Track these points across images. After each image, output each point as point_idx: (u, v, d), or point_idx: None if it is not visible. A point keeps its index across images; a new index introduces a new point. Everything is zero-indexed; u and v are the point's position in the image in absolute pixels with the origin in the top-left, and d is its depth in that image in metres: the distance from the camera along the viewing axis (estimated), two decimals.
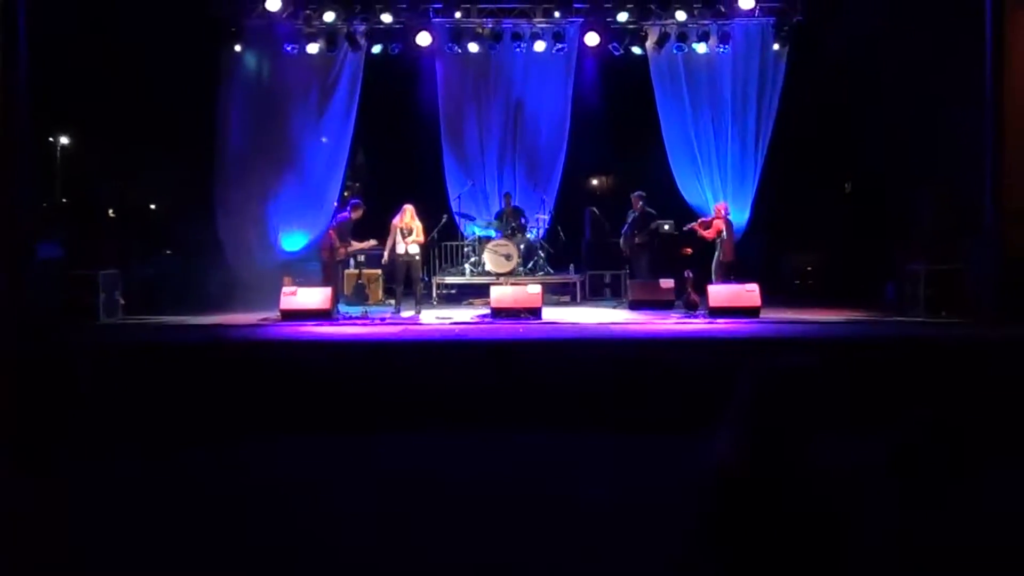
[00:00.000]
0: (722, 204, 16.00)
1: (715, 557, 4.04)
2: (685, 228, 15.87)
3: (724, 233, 15.46)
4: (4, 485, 7.09)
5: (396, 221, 15.23)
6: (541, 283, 15.84)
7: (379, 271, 17.05)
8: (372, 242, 15.75)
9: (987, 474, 4.68)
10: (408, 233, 15.12)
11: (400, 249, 15.16)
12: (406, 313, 15.08)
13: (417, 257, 15.29)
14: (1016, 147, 13.12)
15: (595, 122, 18.47)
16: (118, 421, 8.86)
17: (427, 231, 15.76)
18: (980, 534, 4.49)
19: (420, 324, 14.35)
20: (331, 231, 15.25)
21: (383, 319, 14.62)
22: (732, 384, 3.94)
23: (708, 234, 15.43)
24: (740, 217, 17.39)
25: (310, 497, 7.42)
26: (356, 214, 15.21)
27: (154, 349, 11.72)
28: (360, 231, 15.65)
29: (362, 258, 16.85)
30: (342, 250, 15.16)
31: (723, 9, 17.40)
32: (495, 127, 18.55)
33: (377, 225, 15.71)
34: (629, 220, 16.40)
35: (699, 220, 15.81)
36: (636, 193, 16.48)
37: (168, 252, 16.44)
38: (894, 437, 4.57)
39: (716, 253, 15.47)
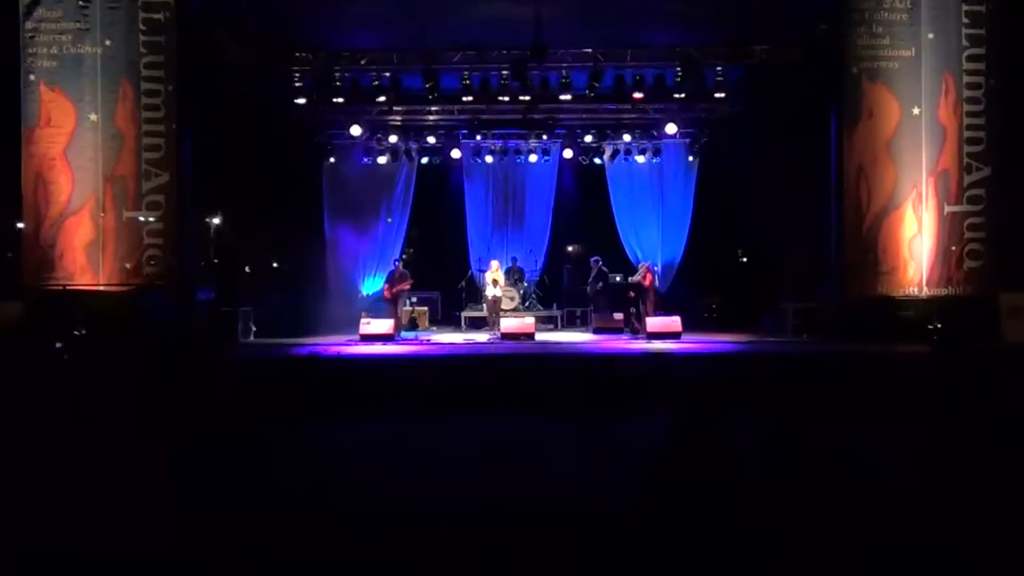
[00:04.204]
0: (646, 264, 15.91)
1: (653, 502, 4.08)
2: (631, 279, 15.84)
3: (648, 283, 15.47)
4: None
5: (488, 271, 15.70)
6: (534, 316, 15.88)
7: (426, 308, 17.11)
8: (409, 283, 15.58)
9: (835, 441, 4.73)
10: (493, 282, 15.48)
11: (488, 292, 15.39)
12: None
13: (500, 296, 15.54)
14: (851, 226, 13.22)
15: (571, 208, 18.58)
16: (251, 406, 8.90)
17: (457, 283, 15.89)
18: (831, 481, 4.54)
19: (456, 343, 14.32)
20: (385, 284, 15.37)
21: (428, 341, 14.63)
22: (665, 385, 4.02)
23: (646, 282, 15.39)
24: (670, 272, 17.51)
25: (386, 453, 7.54)
26: (404, 284, 15.25)
27: (276, 360, 11.76)
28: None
29: (415, 299, 16.88)
30: (388, 293, 15.15)
31: (655, 133, 17.57)
32: (502, 211, 18.60)
33: (427, 274, 15.91)
34: (592, 275, 16.38)
35: (638, 275, 15.68)
36: (593, 258, 16.46)
37: (285, 295, 16.45)
38: (771, 420, 4.63)
39: (646, 296, 15.41)
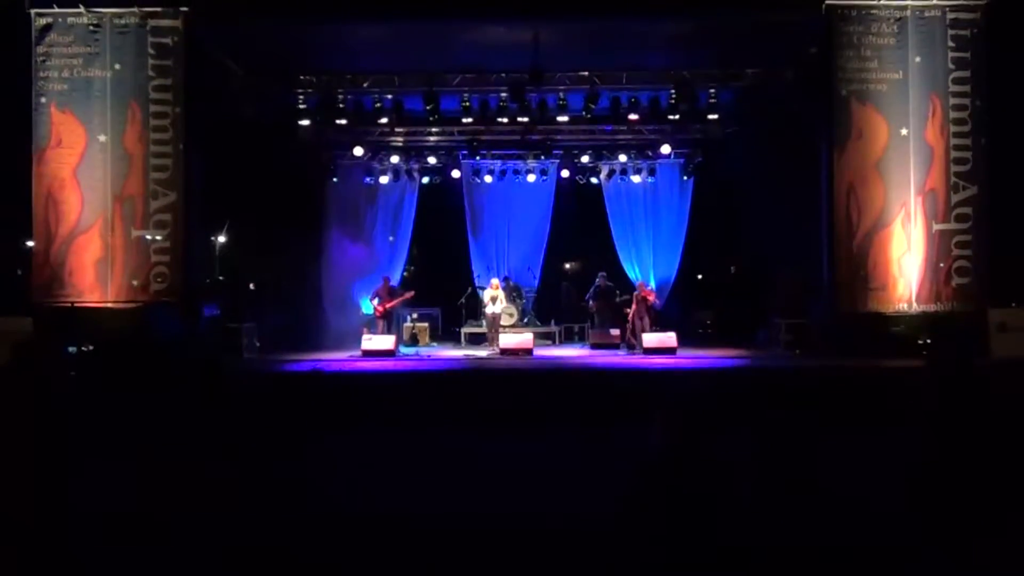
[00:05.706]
0: (642, 283, 15.96)
1: (645, 507, 4.06)
2: (639, 295, 15.56)
3: (652, 299, 15.46)
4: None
5: (488, 289, 15.67)
6: (532, 332, 15.82)
7: (427, 324, 17.05)
8: (410, 293, 15.72)
9: (820, 450, 4.72)
10: (492, 299, 15.43)
11: (488, 310, 15.35)
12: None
13: (499, 312, 15.49)
14: (841, 243, 13.22)
15: (567, 226, 18.56)
16: (254, 417, 8.86)
17: (457, 299, 15.84)
18: (816, 488, 4.53)
19: (456, 357, 14.27)
20: (374, 301, 15.34)
21: (429, 356, 14.59)
22: (659, 399, 4.01)
23: (650, 299, 15.37)
24: (665, 289, 17.49)
25: (386, 466, 7.49)
26: (394, 301, 15.29)
27: (280, 375, 11.73)
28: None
29: (415, 315, 16.85)
30: (379, 310, 15.14)
31: (650, 154, 17.59)
32: (501, 229, 18.59)
33: (427, 291, 15.85)
34: (592, 290, 16.30)
35: (642, 292, 15.61)
36: (601, 274, 16.42)
37: (289, 312, 16.41)
38: (757, 432, 4.64)
39: (645, 312, 15.36)
